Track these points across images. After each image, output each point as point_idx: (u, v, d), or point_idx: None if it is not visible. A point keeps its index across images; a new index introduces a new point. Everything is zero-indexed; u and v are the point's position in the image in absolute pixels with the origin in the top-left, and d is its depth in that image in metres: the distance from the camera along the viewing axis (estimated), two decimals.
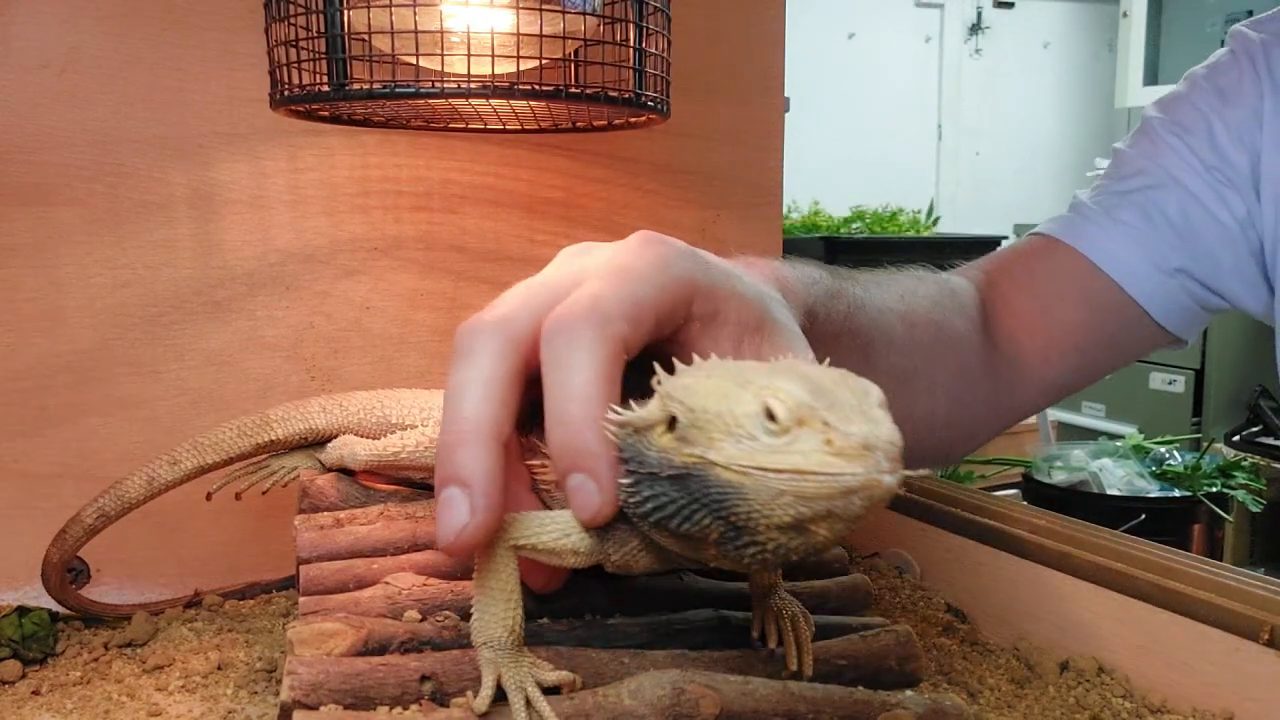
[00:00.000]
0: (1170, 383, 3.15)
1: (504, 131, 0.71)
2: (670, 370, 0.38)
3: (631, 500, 0.37)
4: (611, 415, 0.38)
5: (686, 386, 0.36)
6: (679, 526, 0.36)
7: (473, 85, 0.56)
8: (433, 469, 0.57)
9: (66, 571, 0.64)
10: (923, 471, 0.34)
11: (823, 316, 0.58)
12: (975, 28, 4.06)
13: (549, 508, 0.43)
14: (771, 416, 0.33)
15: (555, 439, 0.39)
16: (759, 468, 0.33)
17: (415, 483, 0.60)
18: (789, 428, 0.33)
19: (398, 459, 0.58)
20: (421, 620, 0.46)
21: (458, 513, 0.38)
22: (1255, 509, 2.15)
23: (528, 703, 0.39)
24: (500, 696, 0.39)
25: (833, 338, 0.60)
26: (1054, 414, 3.04)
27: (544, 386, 0.40)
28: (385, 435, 0.61)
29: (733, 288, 0.45)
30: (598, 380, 0.39)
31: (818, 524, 0.33)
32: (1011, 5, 4.11)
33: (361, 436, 0.63)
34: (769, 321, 0.46)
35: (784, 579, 0.46)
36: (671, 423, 0.36)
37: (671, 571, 0.45)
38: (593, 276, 0.42)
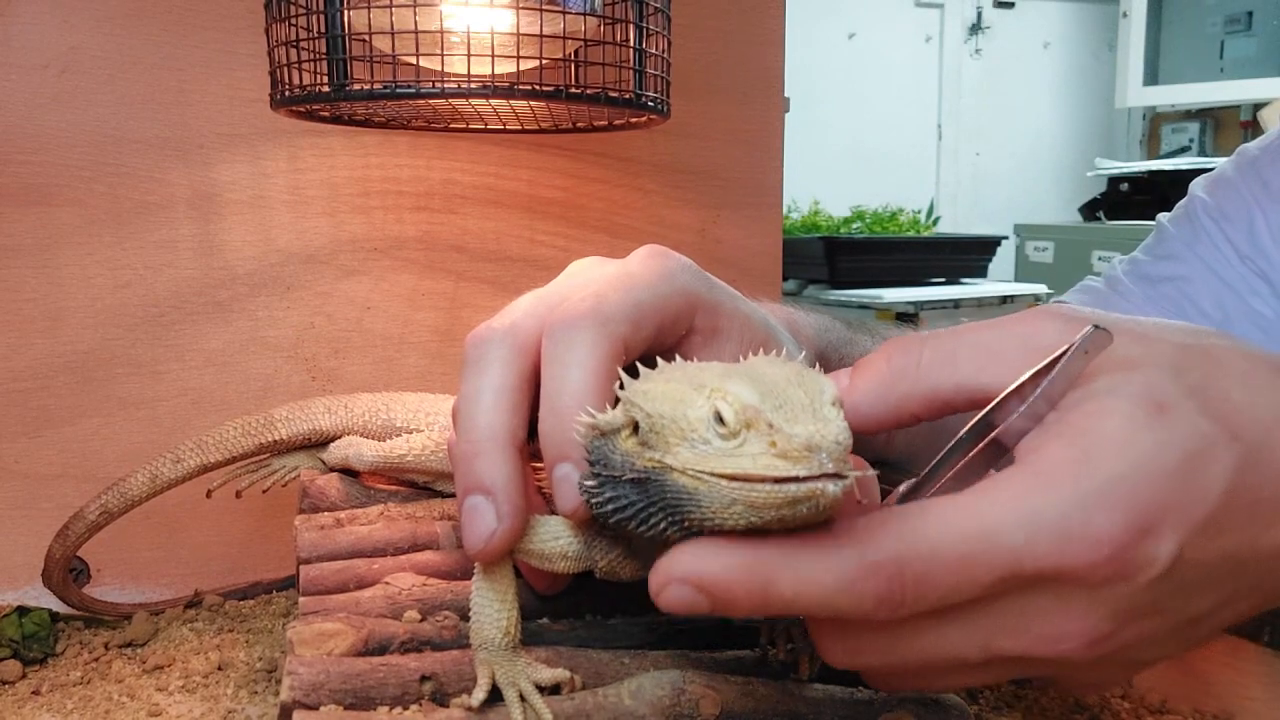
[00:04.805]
0: None
1: (504, 131, 0.71)
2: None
3: (594, 500, 0.38)
4: (581, 418, 0.38)
5: (645, 391, 0.36)
6: (637, 528, 0.36)
7: (473, 85, 0.56)
8: (436, 472, 0.58)
9: (68, 570, 0.64)
10: (871, 471, 0.34)
11: (835, 361, 0.58)
12: (975, 28, 4.05)
13: (554, 512, 0.43)
14: (721, 420, 0.33)
15: (546, 429, 0.40)
16: (711, 473, 0.33)
17: (417, 484, 0.60)
18: (738, 430, 0.33)
19: (403, 461, 0.58)
20: (421, 620, 0.46)
21: (485, 520, 0.39)
22: None
23: (521, 698, 0.39)
24: (497, 696, 0.39)
25: None
26: None
27: (542, 380, 0.41)
28: (389, 438, 0.61)
29: (736, 307, 0.46)
30: (594, 376, 0.40)
31: (770, 530, 0.34)
32: (1011, 5, 4.11)
33: (365, 438, 0.63)
34: (773, 342, 0.46)
35: None
36: (635, 427, 0.36)
37: None
38: (598, 282, 0.43)
